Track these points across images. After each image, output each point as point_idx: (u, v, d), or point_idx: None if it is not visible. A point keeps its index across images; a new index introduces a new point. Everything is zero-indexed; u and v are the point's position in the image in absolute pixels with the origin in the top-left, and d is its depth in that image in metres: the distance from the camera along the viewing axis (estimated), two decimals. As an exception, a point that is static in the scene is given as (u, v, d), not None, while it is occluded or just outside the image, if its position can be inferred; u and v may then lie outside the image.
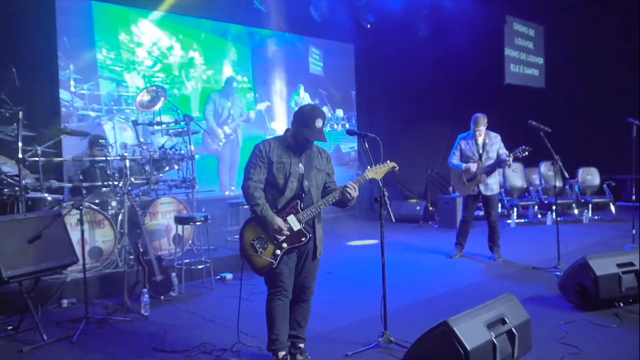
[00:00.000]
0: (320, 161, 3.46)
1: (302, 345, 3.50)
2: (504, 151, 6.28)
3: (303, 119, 3.27)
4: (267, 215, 3.23)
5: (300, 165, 3.35)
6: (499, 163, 6.20)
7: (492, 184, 6.34)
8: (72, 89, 7.48)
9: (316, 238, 3.40)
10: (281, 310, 3.33)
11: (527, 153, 6.00)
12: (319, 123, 3.26)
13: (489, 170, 6.27)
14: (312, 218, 3.35)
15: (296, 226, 3.28)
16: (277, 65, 10.12)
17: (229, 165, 9.30)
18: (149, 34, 8.35)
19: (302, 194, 3.32)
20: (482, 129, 6.28)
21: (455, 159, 6.47)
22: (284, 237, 3.26)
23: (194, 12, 8.80)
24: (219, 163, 9.17)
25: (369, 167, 3.53)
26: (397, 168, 3.56)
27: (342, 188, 3.36)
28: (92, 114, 7.68)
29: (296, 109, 3.43)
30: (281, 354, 3.34)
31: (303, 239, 3.31)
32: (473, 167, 6.27)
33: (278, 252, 3.27)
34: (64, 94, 7.39)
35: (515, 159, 6.23)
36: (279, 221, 3.22)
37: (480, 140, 6.33)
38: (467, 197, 6.47)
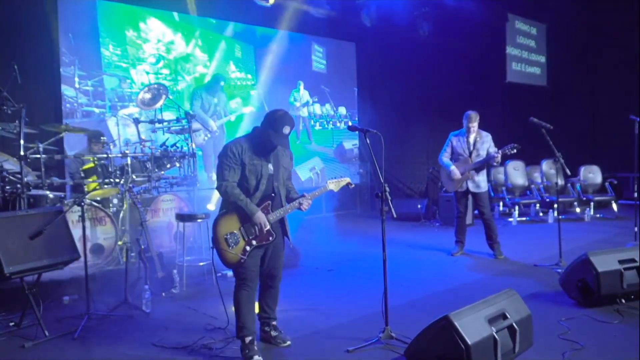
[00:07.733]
0: (285, 158, 3.64)
1: (274, 322, 3.79)
2: (493, 149, 6.35)
3: (274, 123, 3.41)
4: (253, 208, 3.41)
5: (270, 166, 3.51)
6: (488, 160, 6.29)
7: (480, 182, 6.41)
8: (77, 85, 7.48)
9: (286, 231, 3.68)
10: (246, 299, 3.50)
11: (515, 151, 6.10)
12: (286, 130, 3.42)
13: (478, 167, 6.35)
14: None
15: (266, 226, 3.44)
16: (280, 63, 10.07)
17: (214, 161, 9.23)
18: (154, 31, 8.35)
19: (272, 194, 3.51)
20: (476, 125, 6.36)
21: (445, 156, 6.54)
22: (257, 234, 3.44)
23: (199, 11, 8.79)
24: (203, 158, 8.99)
25: (328, 180, 3.78)
26: (353, 185, 3.89)
27: (300, 199, 3.59)
28: (97, 110, 7.68)
29: (268, 111, 3.58)
30: (247, 339, 3.48)
31: (270, 238, 3.50)
32: (457, 174, 6.35)
33: (248, 248, 3.44)
34: (68, 90, 7.38)
35: (504, 157, 6.28)
36: (263, 217, 3.42)
37: (471, 139, 6.40)
38: (456, 192, 6.55)
